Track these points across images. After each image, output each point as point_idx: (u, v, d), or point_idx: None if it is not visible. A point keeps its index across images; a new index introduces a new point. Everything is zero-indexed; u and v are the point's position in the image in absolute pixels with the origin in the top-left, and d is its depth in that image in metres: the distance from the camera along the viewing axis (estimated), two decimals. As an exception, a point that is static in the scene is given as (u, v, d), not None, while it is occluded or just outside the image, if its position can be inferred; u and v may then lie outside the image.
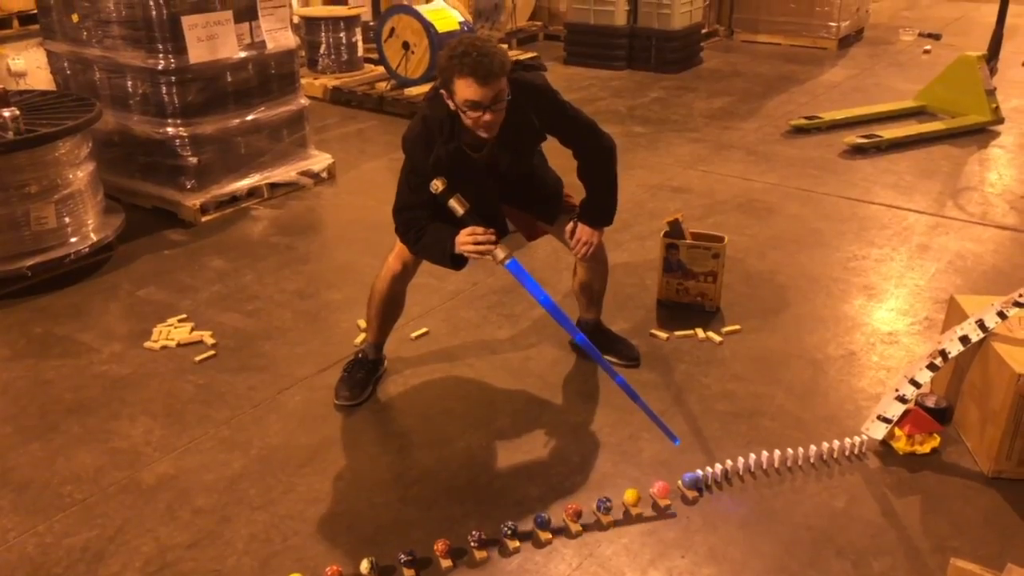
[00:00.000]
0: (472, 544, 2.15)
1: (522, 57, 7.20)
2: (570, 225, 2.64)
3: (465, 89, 2.23)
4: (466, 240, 2.38)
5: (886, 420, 2.49)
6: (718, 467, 2.38)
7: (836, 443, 2.47)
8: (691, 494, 2.33)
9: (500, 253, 2.39)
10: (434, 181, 2.38)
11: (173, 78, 3.96)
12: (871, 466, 2.46)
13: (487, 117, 2.28)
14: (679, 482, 2.36)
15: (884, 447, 2.52)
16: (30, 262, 3.41)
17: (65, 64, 4.33)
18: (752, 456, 2.41)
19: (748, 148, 5.23)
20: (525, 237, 2.87)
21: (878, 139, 5.15)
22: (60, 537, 2.23)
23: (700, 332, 3.13)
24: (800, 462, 2.45)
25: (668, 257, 3.24)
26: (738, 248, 3.71)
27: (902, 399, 2.49)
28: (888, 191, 4.50)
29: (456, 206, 2.38)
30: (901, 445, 2.49)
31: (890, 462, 2.48)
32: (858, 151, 5.10)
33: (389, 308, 2.79)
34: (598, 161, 2.60)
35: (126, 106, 4.14)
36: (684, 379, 2.87)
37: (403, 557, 2.10)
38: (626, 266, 3.68)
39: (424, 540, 2.18)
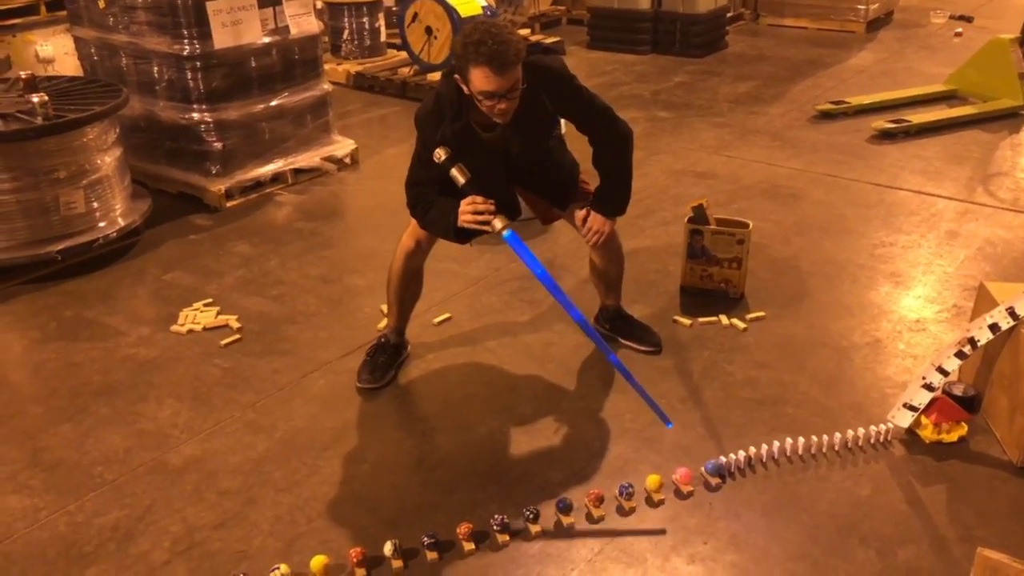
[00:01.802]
0: (495, 528, 2.16)
1: (546, 40, 7.17)
2: (581, 212, 2.62)
3: (480, 79, 2.21)
4: (466, 210, 2.37)
5: (912, 408, 2.47)
6: (741, 454, 2.37)
7: (861, 431, 2.45)
8: (714, 481, 2.33)
9: (498, 223, 2.37)
10: (436, 150, 2.37)
11: (198, 63, 3.98)
12: (896, 454, 2.44)
13: (501, 106, 2.27)
14: (702, 469, 2.35)
15: (910, 435, 2.50)
16: (60, 246, 3.46)
17: (92, 50, 4.37)
18: (776, 443, 2.40)
19: (773, 133, 5.17)
20: (540, 220, 2.86)
21: (907, 124, 5.07)
22: (91, 516, 2.27)
23: (724, 319, 3.12)
24: (824, 450, 2.43)
25: (692, 243, 3.22)
26: (763, 234, 3.68)
27: (929, 387, 2.47)
28: (916, 177, 4.44)
29: (457, 175, 2.37)
30: (927, 433, 2.46)
31: (916, 450, 2.46)
32: (886, 136, 5.03)
33: (406, 289, 2.79)
34: (613, 149, 2.58)
35: (152, 92, 4.17)
36: (707, 366, 2.86)
37: (426, 540, 2.12)
38: (649, 252, 3.66)
39: (447, 523, 2.19)
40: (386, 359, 2.83)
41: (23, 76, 3.61)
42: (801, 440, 2.41)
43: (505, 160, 2.50)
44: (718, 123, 5.39)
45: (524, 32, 7.40)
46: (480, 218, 2.36)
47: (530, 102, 2.37)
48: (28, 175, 3.36)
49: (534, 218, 2.89)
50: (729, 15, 7.68)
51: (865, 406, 2.65)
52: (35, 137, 3.31)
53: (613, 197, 2.62)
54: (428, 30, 5.97)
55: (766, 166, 4.64)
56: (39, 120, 3.32)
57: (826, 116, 5.42)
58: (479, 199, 2.36)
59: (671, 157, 4.80)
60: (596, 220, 2.60)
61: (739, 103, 5.81)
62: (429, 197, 2.49)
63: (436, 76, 5.90)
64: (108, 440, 2.57)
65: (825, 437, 2.43)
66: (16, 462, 2.48)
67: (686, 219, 3.24)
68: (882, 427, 2.47)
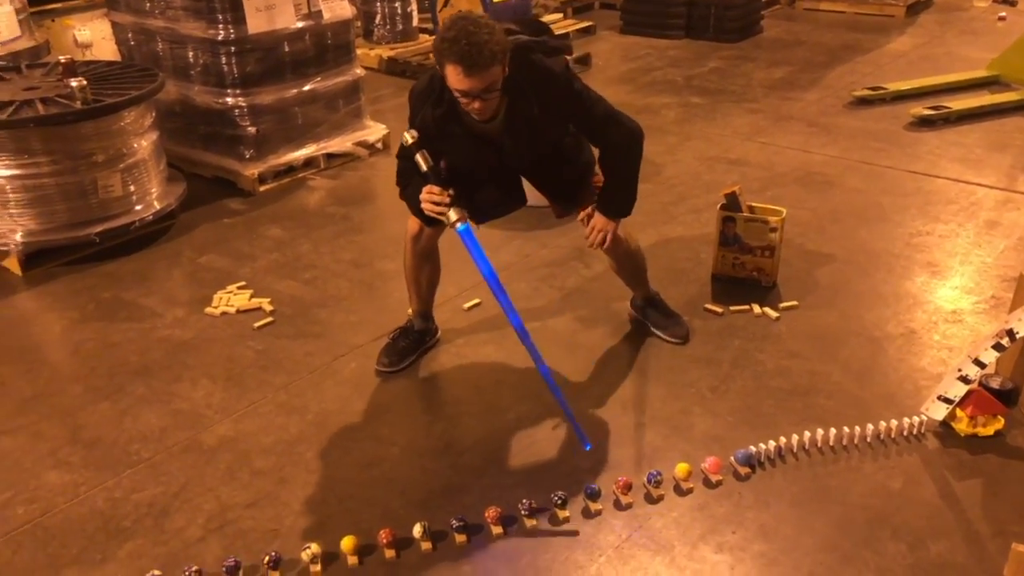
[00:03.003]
0: (523, 512, 2.17)
1: (576, 27, 7.13)
2: (584, 212, 2.59)
3: (453, 77, 2.17)
4: (424, 198, 2.35)
5: (947, 400, 2.44)
6: (772, 444, 2.36)
7: (894, 423, 2.43)
8: (743, 470, 2.32)
9: (453, 215, 2.33)
10: (405, 133, 2.35)
11: (232, 48, 4.02)
12: (930, 447, 2.41)
13: (476, 105, 2.22)
14: (731, 458, 2.34)
15: (944, 428, 2.47)
16: (98, 229, 3.51)
17: (129, 35, 4.42)
18: (807, 434, 2.38)
19: (808, 119, 5.10)
20: (554, 214, 2.82)
21: (946, 110, 4.97)
22: (128, 492, 2.33)
23: (756, 307, 3.09)
24: (856, 441, 2.41)
25: (724, 230, 3.20)
26: (796, 222, 3.64)
27: (965, 379, 2.43)
28: (955, 165, 4.35)
29: (420, 161, 2.33)
30: (963, 427, 2.43)
31: (950, 444, 2.42)
32: (924, 123, 4.93)
33: (419, 271, 2.79)
34: (617, 154, 2.51)
35: (187, 76, 4.22)
36: (738, 355, 2.84)
37: (455, 523, 2.14)
38: (680, 239, 3.64)
39: (475, 507, 2.21)
40: (408, 344, 2.85)
41: (62, 61, 3.67)
42: (833, 431, 2.39)
43: (500, 152, 2.44)
44: (752, 109, 5.33)
45: (556, 17, 7.36)
46: (436, 208, 2.34)
47: (520, 102, 2.32)
48: (67, 159, 3.41)
49: (547, 206, 2.85)
50: (764, -1, 7.58)
51: (898, 398, 2.62)
52: (74, 121, 3.37)
53: (617, 199, 2.56)
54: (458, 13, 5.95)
55: (801, 153, 4.58)
56: (78, 104, 3.37)
57: (863, 102, 5.33)
58: (436, 189, 2.32)
59: (704, 143, 4.75)
60: (598, 220, 2.56)
61: (774, 89, 5.74)
62: (410, 173, 2.46)
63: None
64: (145, 419, 2.62)
65: (857, 428, 2.41)
66: (57, 439, 2.54)
67: (718, 206, 3.21)
68: (916, 419, 2.44)
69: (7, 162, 3.34)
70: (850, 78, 5.90)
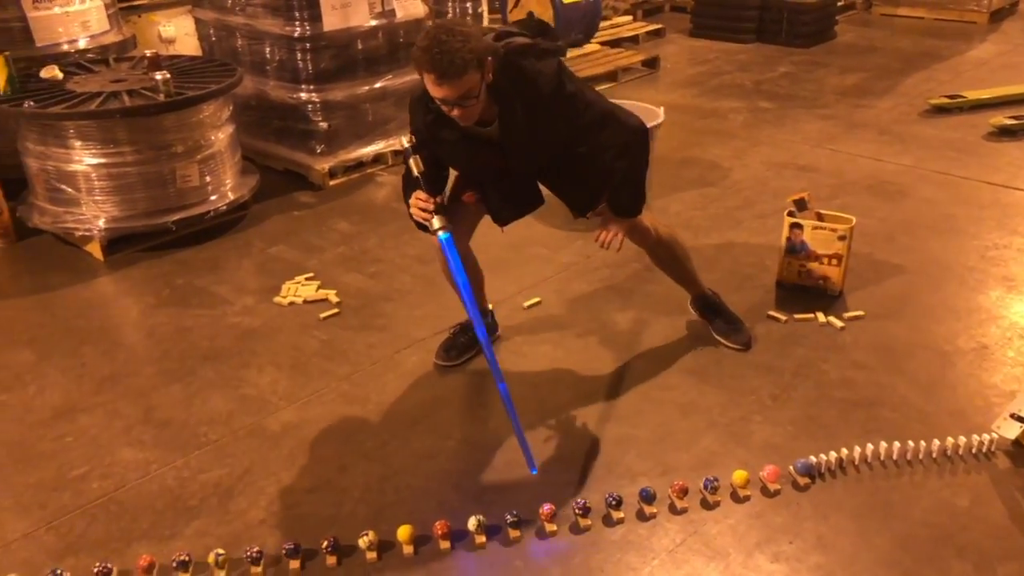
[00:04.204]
0: (576, 512, 2.18)
1: (645, 29, 7.09)
2: (593, 213, 2.56)
3: (429, 85, 2.15)
4: (412, 203, 2.36)
5: (1020, 419, 2.36)
6: (833, 455, 2.32)
7: (962, 439, 2.36)
8: (803, 480, 2.29)
9: (436, 223, 2.33)
10: (403, 138, 2.35)
11: (308, 45, 4.12)
12: (1000, 466, 2.34)
13: (455, 112, 2.20)
14: (791, 467, 2.31)
15: (1016, 447, 2.39)
16: (174, 217, 3.64)
17: (211, 31, 4.58)
18: (870, 446, 2.34)
19: (882, 127, 4.98)
20: (572, 215, 2.75)
21: (1029, 121, 4.80)
22: (195, 472, 2.41)
23: (821, 316, 3.04)
24: (921, 456, 2.36)
25: (791, 237, 3.15)
26: (866, 231, 3.56)
27: (1039, 398, 2.35)
28: (1037, 177, 4.21)
29: (412, 166, 2.34)
30: (1034, 446, 2.35)
31: (1022, 463, 2.35)
32: (1005, 133, 4.77)
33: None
34: (617, 153, 2.42)
35: (263, 72, 4.34)
36: (801, 364, 2.80)
37: (509, 518, 2.16)
38: (746, 244, 3.60)
39: (529, 503, 2.23)
40: (467, 340, 2.88)
41: (148, 55, 3.82)
42: (897, 445, 2.34)
43: (502, 155, 2.41)
44: (823, 115, 5.23)
45: (625, 19, 7.34)
46: (421, 215, 2.34)
47: (512, 105, 2.28)
48: (149, 149, 3.55)
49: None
50: (839, 3, 7.42)
51: (967, 414, 2.55)
52: (157, 113, 3.50)
53: (623, 198, 2.50)
54: (530, 15, 5.98)
55: (872, 161, 4.48)
56: (161, 97, 3.50)
57: (940, 111, 5.19)
58: (423, 195, 2.33)
59: (772, 149, 4.69)
60: (608, 221, 2.51)
61: (846, 95, 5.62)
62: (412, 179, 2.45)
63: (536, 61, 5.91)
64: (213, 402, 2.71)
65: (923, 443, 2.35)
66: (131, 417, 2.65)
67: (786, 212, 3.17)
68: (985, 437, 2.37)
69: (94, 151, 3.49)
70: (927, 86, 5.74)
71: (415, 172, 2.34)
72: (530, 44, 2.32)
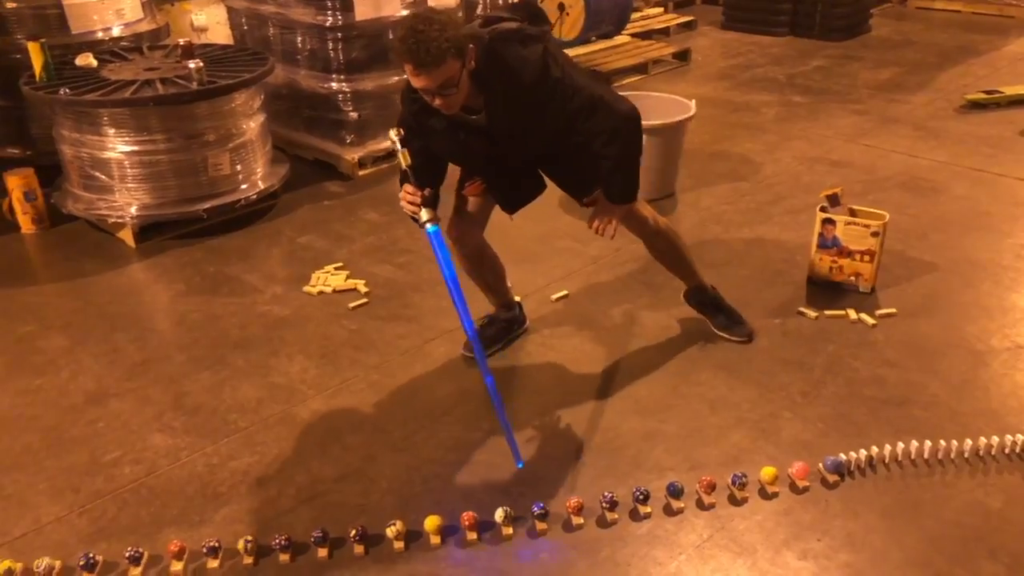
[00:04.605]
0: (603, 505, 2.18)
1: (677, 21, 7.03)
2: (588, 199, 2.52)
3: (409, 75, 2.14)
4: (402, 196, 2.35)
5: (1055, 421, 2.33)
6: (863, 453, 2.30)
7: (995, 439, 2.33)
8: (832, 478, 2.27)
9: (424, 215, 2.31)
10: (391, 131, 2.33)
11: (339, 35, 4.13)
12: (1034, 468, 2.31)
13: (437, 101, 2.18)
14: (820, 465, 2.29)
15: (1050, 449, 2.36)
16: (206, 205, 3.68)
17: (243, 19, 4.60)
18: (900, 445, 2.31)
19: (916, 123, 4.91)
20: (579, 203, 2.74)
21: (1068, 117, 4.71)
22: (225, 459, 2.44)
23: (852, 313, 3.01)
24: (953, 456, 2.32)
25: (823, 233, 3.12)
26: (898, 228, 3.51)
27: (1076, 400, 2.31)
28: (1075, 175, 4.13)
29: (401, 159, 2.32)
30: (1070, 449, 2.32)
31: (1056, 466, 2.32)
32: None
33: (475, 273, 2.79)
34: (607, 138, 2.37)
35: (295, 61, 4.36)
36: (832, 361, 2.78)
37: (536, 509, 2.16)
38: (777, 240, 3.57)
39: (556, 495, 2.23)
40: (495, 332, 2.89)
41: (181, 43, 3.85)
42: (928, 444, 2.31)
43: (492, 143, 2.38)
44: (856, 110, 5.16)
45: (657, 11, 7.28)
46: (409, 208, 2.33)
47: (496, 92, 2.25)
48: (181, 137, 3.58)
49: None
50: (875, -4, 7.31)
51: (1000, 414, 2.51)
52: (189, 101, 3.53)
53: (615, 184, 2.46)
54: (561, 6, 5.95)
55: (906, 157, 4.41)
56: (194, 85, 3.53)
57: (976, 106, 5.10)
58: (410, 188, 2.31)
59: (804, 143, 4.64)
60: (602, 207, 2.48)
61: (880, 90, 5.54)
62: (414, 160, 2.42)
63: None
64: (243, 390, 2.73)
65: (955, 443, 2.32)
66: (161, 403, 2.68)
67: (818, 208, 3.13)
68: (1019, 437, 2.34)
69: (127, 138, 3.53)
70: (963, 81, 5.64)
71: (403, 164, 2.33)
72: (515, 30, 2.28)
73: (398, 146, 2.32)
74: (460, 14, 4.91)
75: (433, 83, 2.12)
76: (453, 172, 2.61)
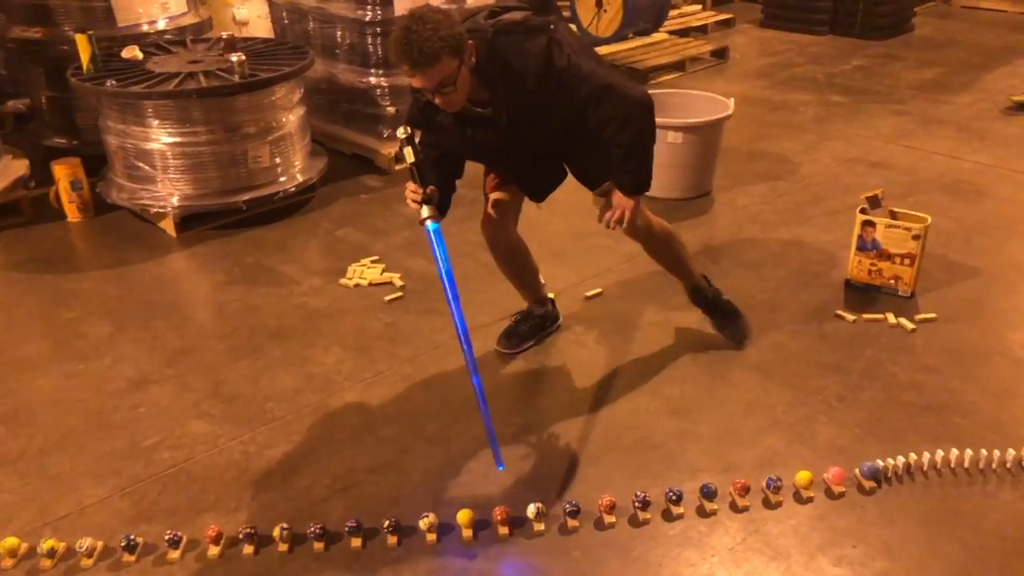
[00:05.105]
0: (636, 505, 2.18)
1: (715, 19, 6.97)
2: (603, 187, 2.47)
3: (405, 74, 2.14)
4: (406, 194, 2.33)
5: (1100, 432, 2.28)
6: (900, 460, 2.27)
7: (1038, 450, 2.29)
8: (868, 484, 2.24)
9: (424, 213, 2.29)
10: (400, 128, 2.29)
11: (378, 29, 4.16)
12: (1077, 479, 2.27)
13: (437, 100, 2.18)
14: (856, 470, 2.27)
15: (1095, 461, 2.31)
16: (245, 197, 3.73)
17: (284, 14, 4.65)
18: (940, 453, 2.28)
19: (960, 124, 4.82)
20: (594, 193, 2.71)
21: (1118, 121, 4.60)
22: (262, 447, 2.47)
23: (891, 317, 2.97)
24: (994, 466, 2.29)
25: (863, 235, 3.08)
26: (940, 231, 3.46)
27: (1123, 411, 2.26)
28: (1125, 180, 4.03)
29: (406, 155, 2.29)
30: (1116, 461, 2.27)
31: (1100, 478, 2.27)
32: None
33: (509, 269, 2.80)
34: (618, 125, 2.29)
35: (334, 55, 4.40)
36: (870, 365, 2.74)
37: (568, 507, 2.16)
38: (815, 241, 3.53)
39: (588, 494, 2.23)
40: (528, 328, 2.89)
41: (224, 37, 3.90)
42: (969, 452, 2.28)
43: (504, 137, 2.36)
44: (898, 111, 5.08)
45: (695, 8, 7.22)
46: (411, 206, 2.31)
47: (499, 86, 2.23)
48: (223, 129, 3.63)
49: (673, 198, 2.75)
50: (919, -5, 7.19)
51: (1044, 424, 2.47)
52: (231, 94, 3.57)
53: (628, 172, 2.37)
54: (598, 3, 5.93)
55: (949, 159, 4.34)
56: (236, 78, 3.57)
57: (1022, 108, 4.99)
58: (412, 186, 2.29)
59: (844, 144, 4.58)
60: (616, 198, 2.42)
61: (923, 90, 5.45)
62: (429, 156, 2.43)
63: (602, 50, 5.87)
64: (279, 380, 2.77)
65: (996, 452, 2.28)
66: (200, 391, 2.72)
67: (858, 209, 3.09)
68: (1063, 448, 2.30)
69: (170, 130, 3.58)
70: (1009, 82, 5.53)
71: (408, 160, 2.30)
72: (518, 21, 2.25)
73: (404, 144, 2.29)
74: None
75: (429, 83, 2.12)
76: (477, 173, 2.61)
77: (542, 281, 2.93)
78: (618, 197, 2.44)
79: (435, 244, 2.30)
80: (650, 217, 2.68)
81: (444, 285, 2.30)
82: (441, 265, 2.30)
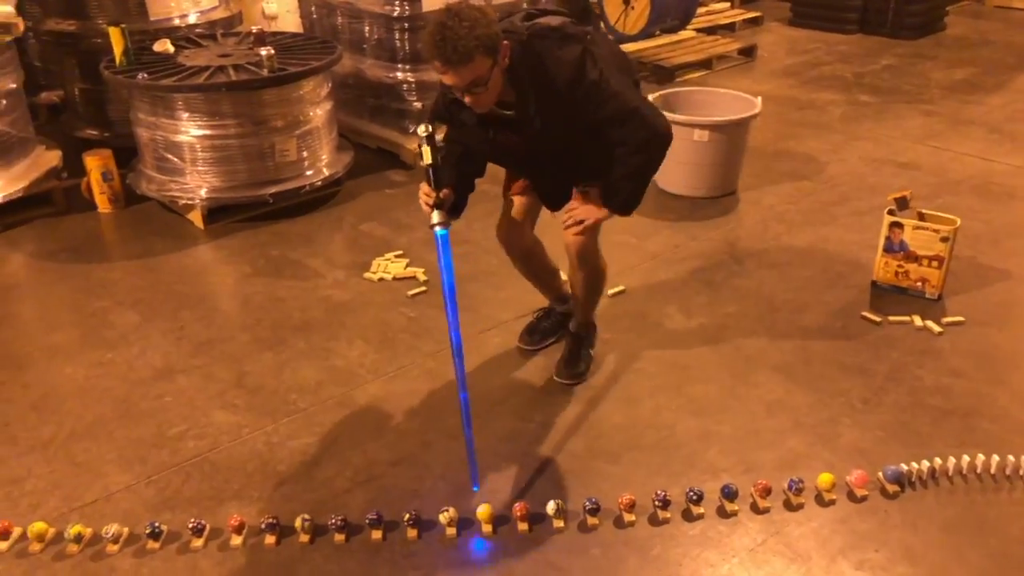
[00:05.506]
0: (656, 503, 2.17)
1: (743, 17, 6.92)
2: (589, 188, 2.42)
3: (436, 70, 2.10)
4: (419, 195, 2.28)
5: None
6: (925, 464, 2.25)
7: (1066, 457, 2.26)
8: (892, 488, 2.22)
9: (434, 217, 2.23)
10: (420, 126, 2.21)
11: (406, 25, 4.17)
12: (1106, 488, 2.24)
13: (467, 99, 2.14)
14: (879, 474, 2.25)
15: (1124, 469, 2.28)
16: (272, 190, 3.76)
17: (312, 9, 4.68)
18: (966, 458, 2.25)
19: (991, 125, 4.76)
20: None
21: None
22: (284, 439, 2.50)
23: (918, 320, 2.94)
24: (1022, 472, 2.26)
25: (890, 236, 3.05)
26: (969, 233, 3.42)
27: None
28: None
29: (424, 155, 2.23)
30: None
31: None
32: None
33: (527, 270, 2.79)
34: (631, 148, 2.29)
35: (361, 50, 4.42)
36: (895, 368, 2.72)
37: (588, 504, 2.17)
38: (840, 242, 3.50)
39: (608, 492, 2.23)
40: (550, 325, 2.90)
41: (254, 31, 3.93)
42: (995, 458, 2.25)
43: (528, 140, 2.33)
44: (927, 111, 5.02)
45: (723, 6, 7.17)
46: (423, 209, 2.26)
47: (528, 90, 2.21)
48: (251, 123, 3.66)
49: (698, 197, 2.70)
50: (952, -6, 7.09)
51: (1073, 431, 2.43)
52: (260, 88, 3.60)
53: (622, 191, 2.35)
54: (626, 0, 5.91)
55: (979, 160, 4.28)
56: (265, 72, 3.60)
57: (1057, 110, 4.93)
58: (426, 188, 2.24)
59: (872, 144, 4.53)
60: (592, 203, 2.37)
61: (953, 90, 5.38)
62: (452, 151, 2.42)
63: (629, 47, 5.84)
64: (303, 372, 2.79)
65: None
66: (225, 382, 2.75)
67: (886, 210, 3.06)
68: (1092, 456, 2.27)
69: (200, 122, 3.62)
70: (1043, 83, 5.45)
71: (425, 159, 2.24)
72: (555, 27, 2.23)
73: (424, 143, 2.22)
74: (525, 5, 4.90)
75: (461, 81, 2.08)
76: (500, 169, 2.60)
77: (563, 278, 2.92)
78: (594, 204, 2.39)
79: (441, 251, 2.23)
80: (599, 247, 2.61)
81: (444, 295, 2.24)
82: (444, 276, 2.23)
